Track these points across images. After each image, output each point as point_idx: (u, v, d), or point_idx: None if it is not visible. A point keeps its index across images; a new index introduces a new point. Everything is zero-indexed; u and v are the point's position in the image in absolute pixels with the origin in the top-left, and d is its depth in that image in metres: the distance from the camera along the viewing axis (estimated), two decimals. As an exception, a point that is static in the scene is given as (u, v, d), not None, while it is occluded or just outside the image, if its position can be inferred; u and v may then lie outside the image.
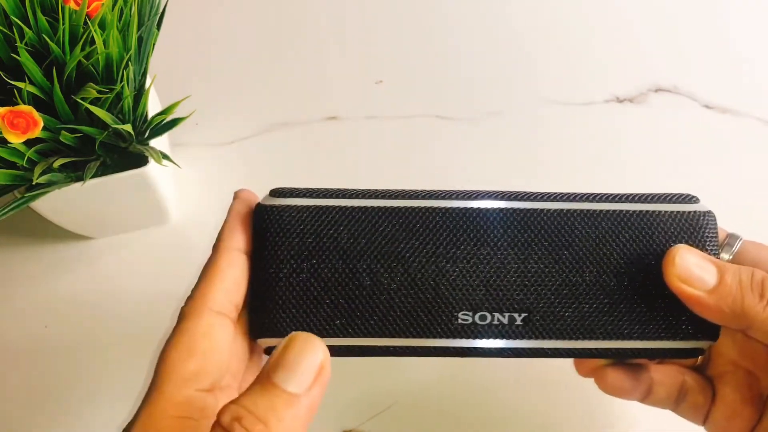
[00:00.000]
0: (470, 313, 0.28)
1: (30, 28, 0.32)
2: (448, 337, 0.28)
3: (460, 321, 0.28)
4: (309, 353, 0.23)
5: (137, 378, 0.39)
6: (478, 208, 0.28)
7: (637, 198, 0.29)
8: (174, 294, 0.42)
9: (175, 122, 0.37)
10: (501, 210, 0.28)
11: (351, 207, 0.28)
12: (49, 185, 0.34)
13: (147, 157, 0.36)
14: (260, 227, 0.28)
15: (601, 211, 0.28)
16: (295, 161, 0.47)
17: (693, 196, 0.29)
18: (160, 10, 0.37)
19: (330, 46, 0.52)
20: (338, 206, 0.28)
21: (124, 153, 0.37)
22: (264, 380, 0.22)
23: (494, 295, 0.28)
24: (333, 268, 0.28)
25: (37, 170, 0.32)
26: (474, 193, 0.29)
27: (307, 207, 0.28)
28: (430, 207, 0.28)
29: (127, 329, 0.41)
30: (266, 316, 0.28)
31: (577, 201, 0.29)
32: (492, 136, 0.48)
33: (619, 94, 0.50)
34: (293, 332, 0.24)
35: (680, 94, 0.50)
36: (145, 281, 0.42)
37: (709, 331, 0.28)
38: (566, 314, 0.28)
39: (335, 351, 0.27)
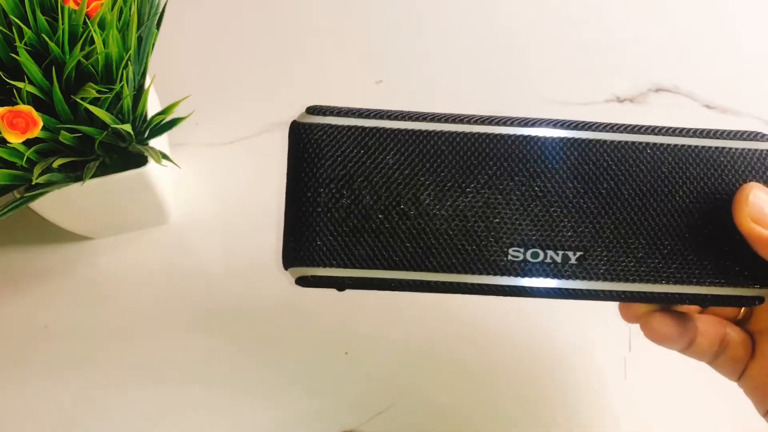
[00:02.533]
0: (521, 250, 0.26)
1: (29, 27, 0.32)
2: (496, 273, 0.26)
3: (510, 257, 0.26)
4: None
5: (137, 377, 0.39)
6: (534, 137, 0.26)
7: (704, 133, 0.27)
8: (173, 293, 0.42)
9: (174, 122, 0.37)
10: (559, 140, 0.26)
11: (397, 129, 0.26)
12: (49, 185, 0.34)
13: (146, 157, 0.36)
14: (297, 147, 0.26)
15: (667, 144, 0.26)
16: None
17: (763, 134, 0.27)
18: (160, 9, 0.37)
19: (330, 46, 0.52)
20: (383, 128, 0.26)
21: (124, 153, 0.37)
22: None
23: (548, 232, 0.26)
24: (376, 195, 0.25)
25: (37, 170, 0.32)
26: (530, 120, 0.26)
27: (349, 127, 0.26)
28: (483, 133, 0.26)
29: (127, 329, 0.41)
30: (301, 244, 0.26)
31: (641, 133, 0.27)
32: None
33: (620, 94, 0.50)
34: None
35: (680, 94, 0.50)
36: (144, 281, 0.42)
37: None
38: (624, 255, 0.26)
39: (376, 284, 0.26)
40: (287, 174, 0.26)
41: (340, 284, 0.26)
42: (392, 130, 0.26)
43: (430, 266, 0.26)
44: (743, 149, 0.27)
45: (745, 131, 0.27)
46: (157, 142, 0.38)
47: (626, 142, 0.26)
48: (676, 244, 0.26)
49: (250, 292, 0.41)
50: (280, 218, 0.28)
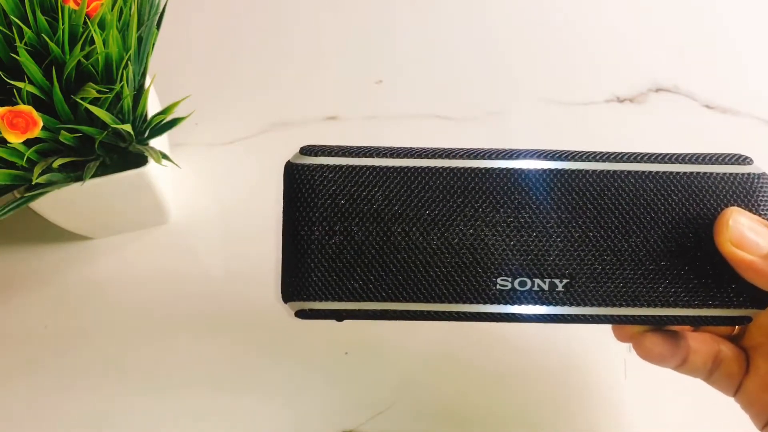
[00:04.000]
0: (509, 279, 0.27)
1: (29, 27, 0.32)
2: (485, 302, 0.27)
3: (498, 286, 0.27)
4: None
5: (137, 377, 0.39)
6: (519, 169, 0.27)
7: (686, 158, 0.28)
8: (173, 294, 0.42)
9: (174, 122, 0.37)
10: (543, 171, 0.27)
11: (386, 167, 0.27)
12: (49, 185, 0.34)
13: (146, 157, 0.36)
14: (290, 187, 0.27)
15: (649, 172, 0.27)
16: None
17: (746, 157, 0.28)
18: (160, 9, 0.37)
19: (330, 46, 0.52)
20: (372, 166, 0.27)
21: (124, 153, 0.37)
22: None
23: (535, 261, 0.27)
24: (367, 231, 0.27)
25: (37, 170, 0.32)
26: (515, 152, 0.27)
27: (340, 167, 0.27)
28: (469, 167, 0.27)
29: (127, 329, 0.41)
30: (298, 280, 0.27)
31: (623, 161, 0.27)
32: (492, 136, 0.48)
33: (620, 94, 0.50)
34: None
35: (680, 94, 0.50)
36: (144, 281, 0.42)
37: (758, 298, 0.27)
38: (610, 280, 0.27)
39: (371, 315, 0.27)
40: (283, 212, 0.28)
41: (338, 316, 0.28)
42: (381, 168, 0.27)
43: (421, 297, 0.27)
44: (725, 174, 0.27)
45: (729, 154, 0.28)
46: (157, 142, 0.38)
47: (608, 171, 0.27)
48: (661, 269, 0.27)
49: (250, 292, 0.41)
50: (280, 218, 0.28)
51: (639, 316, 0.27)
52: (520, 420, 0.38)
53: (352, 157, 0.27)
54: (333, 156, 0.27)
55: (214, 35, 0.52)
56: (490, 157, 0.27)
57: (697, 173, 0.27)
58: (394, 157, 0.27)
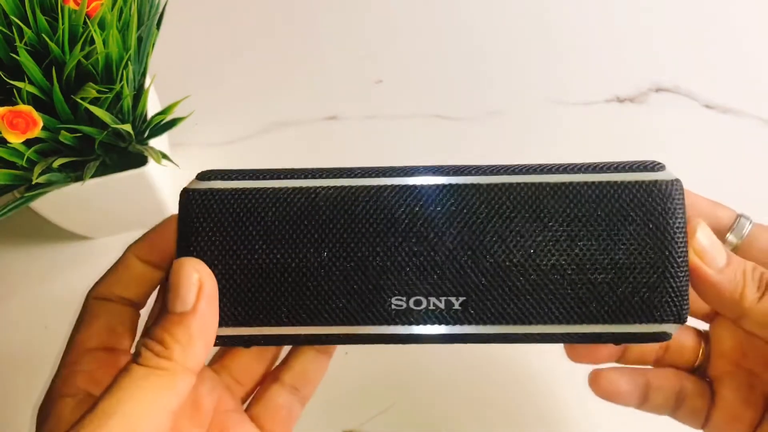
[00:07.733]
0: (404, 298, 0.26)
1: (29, 27, 0.32)
2: (382, 323, 0.26)
3: (393, 307, 0.26)
4: (184, 274, 0.24)
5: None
6: (412, 186, 0.26)
7: (592, 168, 0.26)
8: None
9: (174, 122, 0.37)
10: (437, 186, 0.26)
11: (278, 188, 0.27)
12: (49, 185, 0.34)
13: (146, 157, 0.36)
14: (185, 215, 0.27)
15: (547, 183, 0.26)
16: (295, 161, 0.47)
17: (657, 163, 0.26)
18: (160, 9, 0.37)
19: (330, 45, 0.52)
20: (264, 188, 0.27)
21: (124, 153, 0.37)
22: (163, 310, 0.24)
23: (430, 279, 0.26)
24: (256, 254, 0.26)
25: (37, 170, 0.32)
26: (410, 170, 0.27)
27: (234, 190, 0.27)
28: (360, 186, 0.26)
29: (127, 329, 0.41)
30: None
31: (520, 173, 0.26)
32: (492, 136, 0.48)
33: (620, 94, 0.50)
34: (176, 260, 0.25)
35: (681, 94, 0.50)
36: (144, 281, 0.42)
37: (675, 313, 0.26)
38: (509, 298, 0.26)
39: (269, 340, 0.27)
40: (177, 243, 0.27)
41: (227, 343, 0.27)
42: (273, 190, 0.27)
43: (316, 320, 0.26)
44: (634, 182, 0.26)
45: (640, 162, 0.26)
46: (157, 142, 0.38)
47: (503, 184, 0.26)
48: (563, 284, 0.26)
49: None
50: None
51: (547, 335, 0.26)
52: (520, 419, 0.38)
53: (247, 179, 0.27)
54: (227, 179, 0.27)
55: (214, 35, 0.52)
56: (384, 175, 0.27)
57: (604, 183, 0.26)
58: (288, 179, 0.27)
